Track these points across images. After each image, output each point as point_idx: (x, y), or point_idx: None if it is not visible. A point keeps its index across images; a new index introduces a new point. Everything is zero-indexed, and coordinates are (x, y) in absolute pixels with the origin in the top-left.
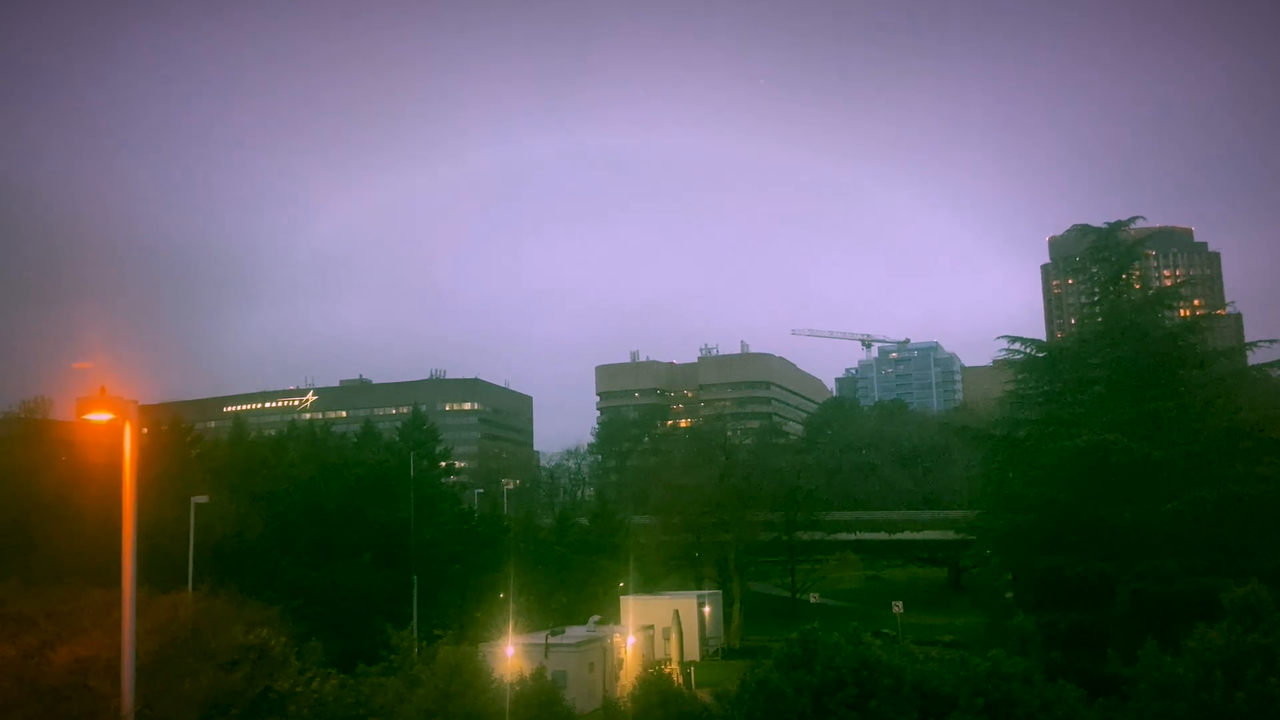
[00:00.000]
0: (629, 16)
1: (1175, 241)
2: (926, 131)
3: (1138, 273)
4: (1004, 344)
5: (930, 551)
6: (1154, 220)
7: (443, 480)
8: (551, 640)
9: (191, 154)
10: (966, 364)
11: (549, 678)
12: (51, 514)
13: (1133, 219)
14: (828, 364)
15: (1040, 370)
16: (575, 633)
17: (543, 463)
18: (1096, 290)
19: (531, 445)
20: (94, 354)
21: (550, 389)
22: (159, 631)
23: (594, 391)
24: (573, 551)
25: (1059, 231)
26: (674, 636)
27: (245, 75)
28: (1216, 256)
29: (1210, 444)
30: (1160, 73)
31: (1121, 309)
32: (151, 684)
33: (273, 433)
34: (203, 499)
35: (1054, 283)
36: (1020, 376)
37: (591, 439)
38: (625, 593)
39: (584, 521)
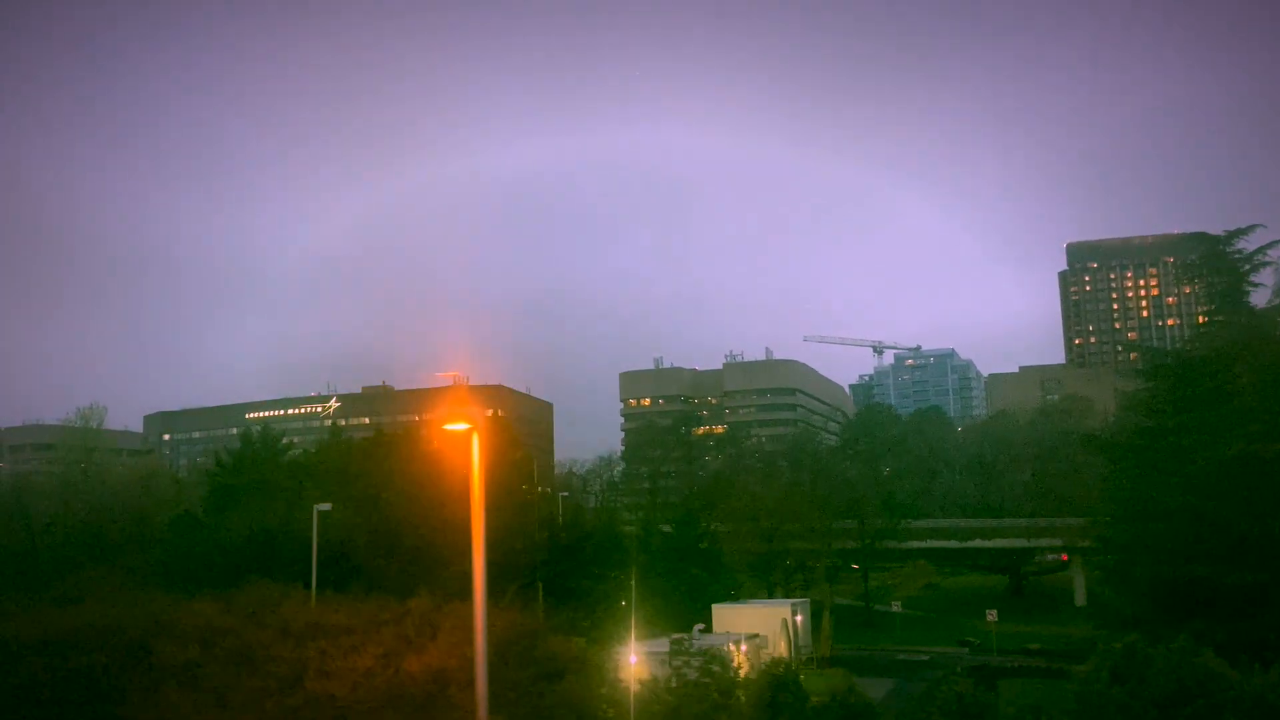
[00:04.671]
0: (642, 22)
1: (1193, 249)
2: (932, 137)
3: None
4: (1022, 355)
5: (993, 559)
6: (1171, 228)
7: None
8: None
9: (191, 157)
10: (980, 370)
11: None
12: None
13: (1252, 227)
14: (838, 371)
15: (1172, 378)
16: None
17: (573, 470)
18: (1217, 297)
19: (552, 453)
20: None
21: (564, 395)
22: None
23: (613, 398)
24: (658, 558)
25: (1075, 238)
26: (782, 644)
27: (254, 79)
28: (1194, 264)
29: None
30: (1175, 77)
31: (1253, 315)
32: (497, 696)
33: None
34: (325, 507)
35: (1072, 289)
36: (1149, 384)
37: (618, 446)
38: (734, 600)
39: (667, 529)
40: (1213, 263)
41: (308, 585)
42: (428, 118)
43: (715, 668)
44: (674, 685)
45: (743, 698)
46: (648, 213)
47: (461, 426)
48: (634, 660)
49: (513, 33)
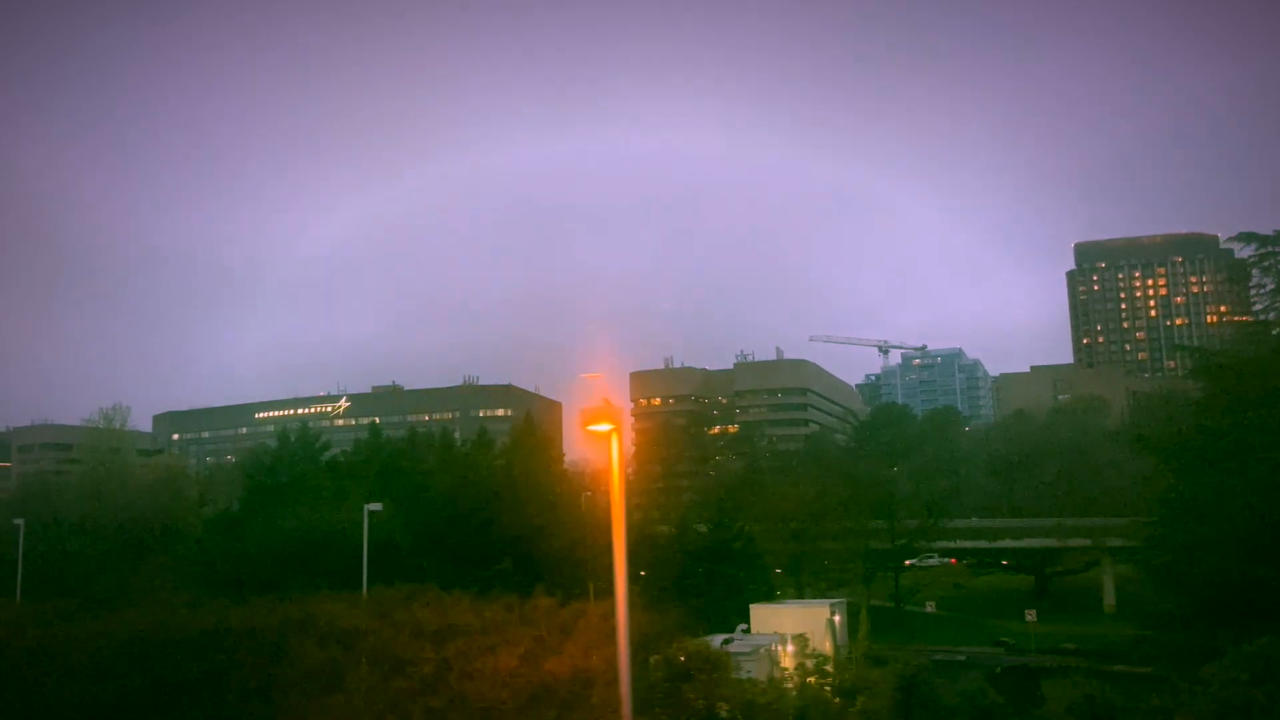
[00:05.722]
0: (650, 23)
1: (1201, 248)
2: (939, 137)
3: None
4: (1029, 355)
5: (1019, 559)
6: (1179, 227)
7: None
8: (726, 649)
9: (187, 156)
10: (987, 370)
11: None
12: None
13: None
14: (843, 371)
15: (1228, 377)
16: (739, 641)
17: (585, 470)
18: (1267, 295)
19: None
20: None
21: (573, 395)
22: (606, 642)
23: (623, 398)
24: (693, 559)
25: (1083, 238)
26: (828, 645)
27: (263, 81)
28: (1243, 263)
29: None
30: (1181, 77)
31: None
32: (636, 696)
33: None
34: (376, 507)
35: (1080, 289)
36: (1205, 384)
37: (628, 446)
38: (771, 600)
39: (702, 529)
40: (1263, 261)
41: (352, 585)
42: (435, 118)
43: (830, 669)
44: (790, 686)
45: (861, 699)
46: (653, 214)
47: (604, 428)
48: (684, 659)
49: (522, 33)
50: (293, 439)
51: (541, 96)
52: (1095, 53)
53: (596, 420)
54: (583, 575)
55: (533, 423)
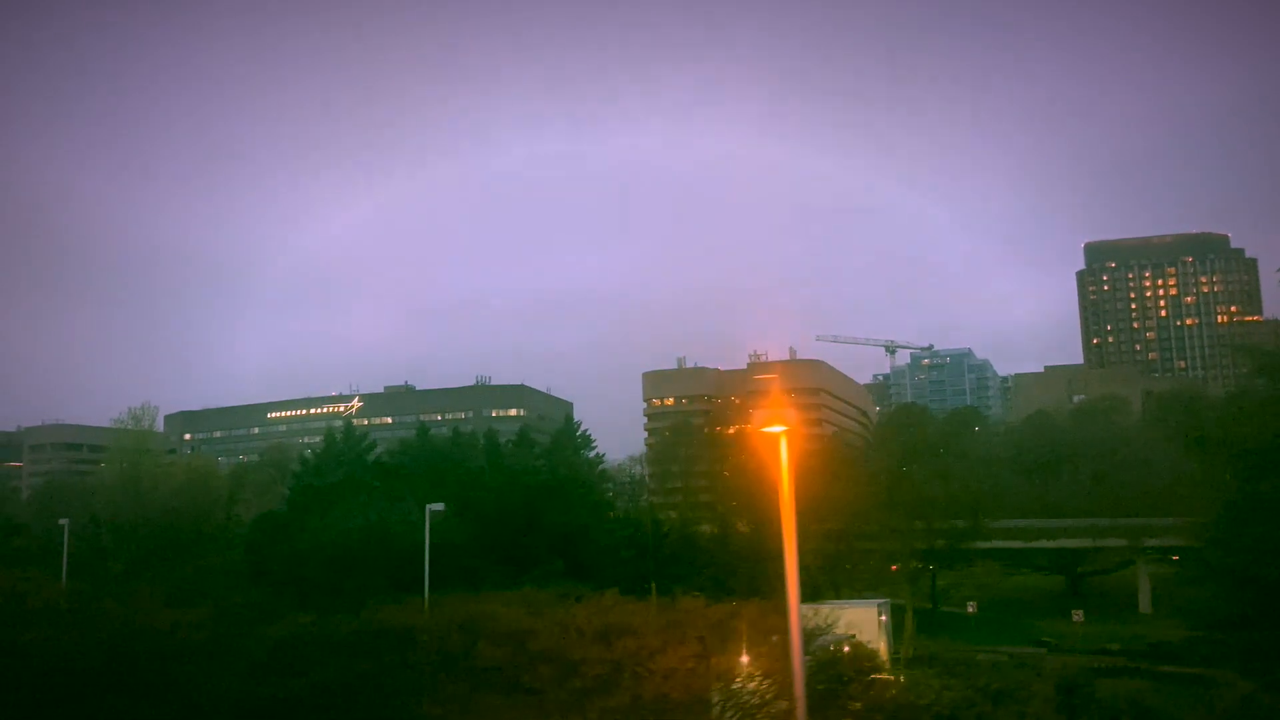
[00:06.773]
0: (659, 24)
1: (1212, 248)
2: (945, 137)
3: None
4: (1037, 355)
5: (1051, 559)
6: (1189, 227)
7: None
8: None
9: (193, 155)
10: (996, 370)
11: None
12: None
13: None
14: (848, 371)
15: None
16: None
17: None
18: None
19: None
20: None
21: (584, 395)
22: (761, 642)
23: (635, 398)
24: (737, 558)
25: (1093, 238)
26: (882, 645)
27: (273, 79)
28: (1254, 263)
29: None
30: (1190, 77)
31: None
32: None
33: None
34: (438, 507)
35: (1090, 289)
36: (1259, 380)
37: (640, 446)
38: (823, 600)
39: (744, 528)
40: None
41: (409, 586)
42: (447, 118)
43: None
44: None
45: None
46: (662, 214)
47: (778, 429)
48: (745, 660)
49: (533, 34)
50: (339, 439)
51: (553, 98)
52: (1105, 52)
53: (771, 421)
54: (633, 575)
55: (573, 424)
